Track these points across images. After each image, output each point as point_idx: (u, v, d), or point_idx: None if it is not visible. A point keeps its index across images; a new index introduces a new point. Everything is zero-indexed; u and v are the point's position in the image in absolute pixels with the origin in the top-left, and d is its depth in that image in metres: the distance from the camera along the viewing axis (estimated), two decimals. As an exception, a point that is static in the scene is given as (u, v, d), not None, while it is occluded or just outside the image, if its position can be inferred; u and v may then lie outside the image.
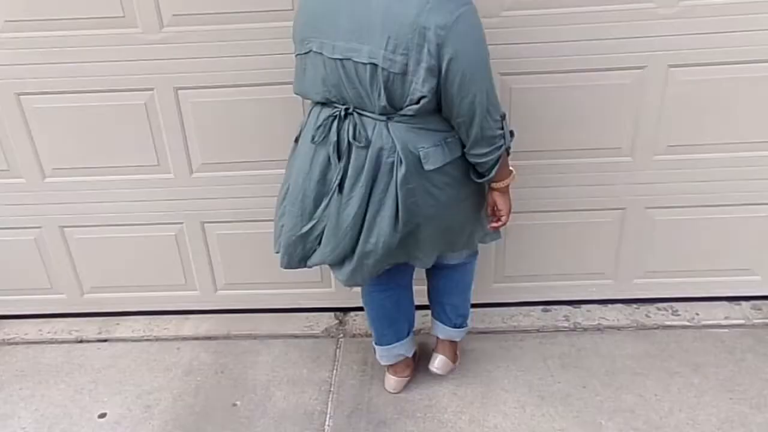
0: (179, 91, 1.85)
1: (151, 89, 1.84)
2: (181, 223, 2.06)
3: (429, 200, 1.44)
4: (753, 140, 1.85)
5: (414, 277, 1.80)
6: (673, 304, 2.12)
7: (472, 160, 1.44)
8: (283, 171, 1.62)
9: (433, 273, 1.80)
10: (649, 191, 1.93)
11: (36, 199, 2.02)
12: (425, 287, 1.86)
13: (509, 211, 1.56)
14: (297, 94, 1.54)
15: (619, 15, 1.69)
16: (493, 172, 1.46)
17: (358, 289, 1.85)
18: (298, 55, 1.47)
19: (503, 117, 1.42)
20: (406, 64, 1.29)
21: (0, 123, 1.89)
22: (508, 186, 1.52)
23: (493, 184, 1.51)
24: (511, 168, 1.51)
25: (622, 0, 1.67)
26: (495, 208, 1.56)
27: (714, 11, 1.67)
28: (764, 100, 1.79)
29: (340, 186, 1.43)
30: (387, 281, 1.71)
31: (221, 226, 2.06)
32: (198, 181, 1.98)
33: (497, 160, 1.44)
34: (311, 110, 1.51)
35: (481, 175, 1.47)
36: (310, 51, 1.41)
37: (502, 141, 1.43)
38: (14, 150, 1.94)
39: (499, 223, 1.58)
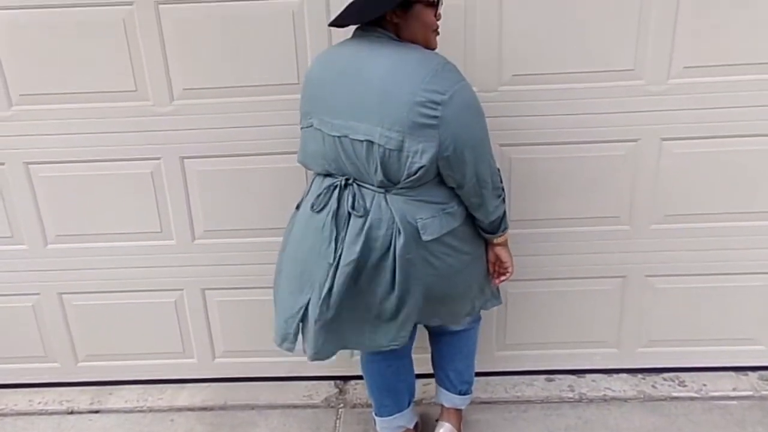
0: (185, 160, 1.89)
1: (158, 158, 1.89)
2: (182, 289, 2.05)
3: (428, 269, 1.45)
4: (749, 210, 1.88)
5: (414, 345, 1.78)
6: (680, 374, 2.09)
7: (488, 218, 1.49)
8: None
9: (435, 340, 1.79)
10: (649, 259, 1.95)
11: (36, 266, 2.01)
12: (427, 355, 1.83)
13: (512, 261, 1.60)
14: (300, 163, 1.58)
15: (611, 91, 1.76)
16: (504, 224, 1.53)
17: (359, 357, 1.82)
18: (302, 128, 1.52)
19: (499, 171, 1.51)
20: (402, 141, 1.33)
21: (7, 191, 1.92)
22: (507, 239, 1.58)
23: (495, 240, 1.55)
24: None
25: (613, 77, 1.75)
26: (498, 263, 1.59)
27: (701, 89, 1.75)
28: (756, 171, 1.84)
29: (339, 257, 1.43)
30: (388, 351, 1.66)
31: (222, 293, 2.05)
32: (200, 247, 1.99)
33: (504, 212, 1.52)
34: (314, 179, 1.55)
35: (492, 231, 1.53)
36: (312, 126, 1.47)
37: (503, 191, 1.52)
38: (18, 217, 1.95)
39: (506, 275, 1.60)
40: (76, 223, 1.96)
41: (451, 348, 1.77)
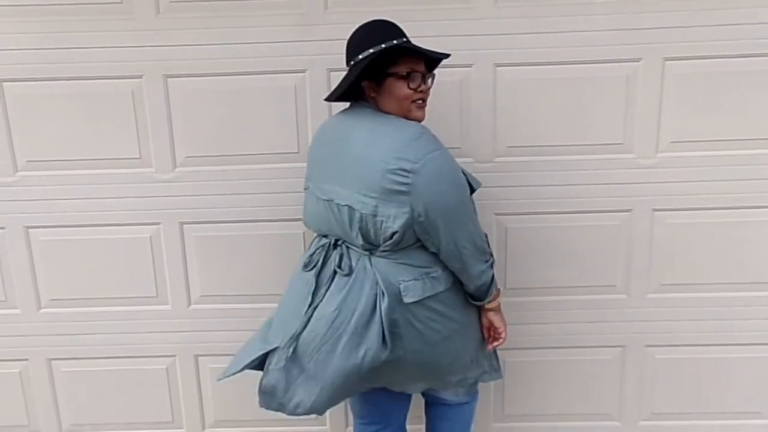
0: (184, 226, 1.91)
1: (158, 223, 1.90)
2: (174, 356, 2.01)
3: (413, 332, 1.46)
4: (744, 281, 1.88)
5: (409, 415, 1.73)
6: (684, 449, 2.02)
7: (473, 283, 1.49)
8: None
9: (430, 412, 1.75)
10: (647, 329, 1.93)
11: (27, 330, 1.98)
12: (422, 426, 1.78)
13: (506, 326, 1.58)
14: (304, 224, 1.64)
15: (602, 163, 1.81)
16: (493, 289, 1.52)
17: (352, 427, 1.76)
18: (304, 188, 1.60)
19: (486, 236, 1.50)
20: (376, 206, 1.39)
21: (5, 255, 1.93)
22: (499, 303, 1.56)
23: (487, 305, 1.54)
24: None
25: (604, 150, 1.81)
26: (492, 328, 1.58)
27: (689, 162, 1.80)
28: (747, 243, 1.85)
29: (315, 307, 1.46)
30: (380, 419, 1.66)
31: (216, 360, 2.01)
32: (195, 313, 1.97)
33: (492, 277, 1.50)
34: (313, 240, 1.59)
35: (479, 297, 1.52)
36: (308, 188, 1.56)
37: (492, 257, 1.51)
38: (14, 281, 1.94)
39: (499, 341, 1.58)
40: (72, 287, 1.95)
41: (444, 422, 1.73)
